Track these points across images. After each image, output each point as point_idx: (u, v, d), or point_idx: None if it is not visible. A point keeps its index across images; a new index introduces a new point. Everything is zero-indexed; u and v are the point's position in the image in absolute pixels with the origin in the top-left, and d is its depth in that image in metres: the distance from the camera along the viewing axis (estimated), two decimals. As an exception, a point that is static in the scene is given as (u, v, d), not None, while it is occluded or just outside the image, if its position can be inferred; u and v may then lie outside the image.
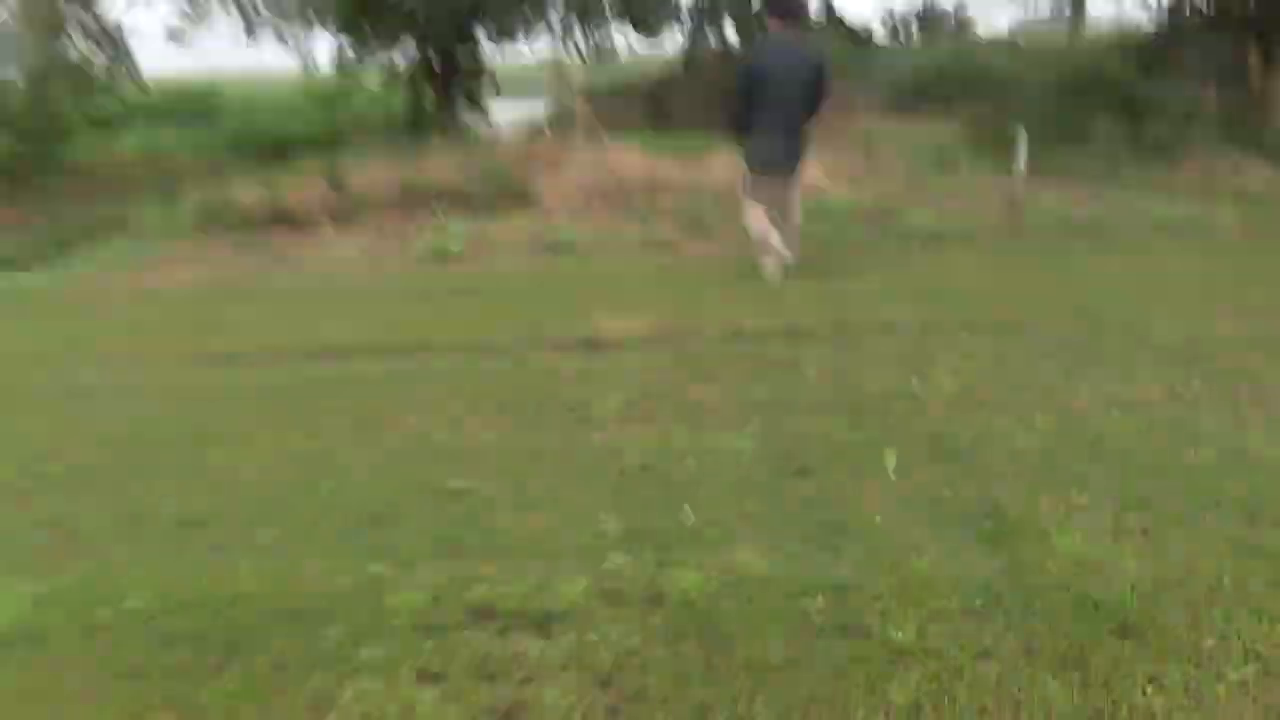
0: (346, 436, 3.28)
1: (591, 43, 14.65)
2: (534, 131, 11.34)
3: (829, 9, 20.43)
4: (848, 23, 20.70)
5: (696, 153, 10.57)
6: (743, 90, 5.82)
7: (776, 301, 5.14)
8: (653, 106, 15.01)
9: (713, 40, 18.05)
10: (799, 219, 6.29)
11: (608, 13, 13.11)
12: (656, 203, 7.88)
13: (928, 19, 20.38)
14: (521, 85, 18.31)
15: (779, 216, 6.09)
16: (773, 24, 6.24)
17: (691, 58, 17.11)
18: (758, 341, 4.31)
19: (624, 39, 14.93)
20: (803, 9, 6.16)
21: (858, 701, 1.81)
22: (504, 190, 7.95)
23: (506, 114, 13.86)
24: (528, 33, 13.60)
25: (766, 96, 5.70)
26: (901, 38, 20.34)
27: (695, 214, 7.47)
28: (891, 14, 19.94)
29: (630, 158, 8.90)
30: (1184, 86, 10.00)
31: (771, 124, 5.75)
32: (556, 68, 15.05)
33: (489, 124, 13.35)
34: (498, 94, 15.22)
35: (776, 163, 5.86)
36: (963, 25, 20.16)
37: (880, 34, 20.21)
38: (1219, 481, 2.66)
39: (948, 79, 13.59)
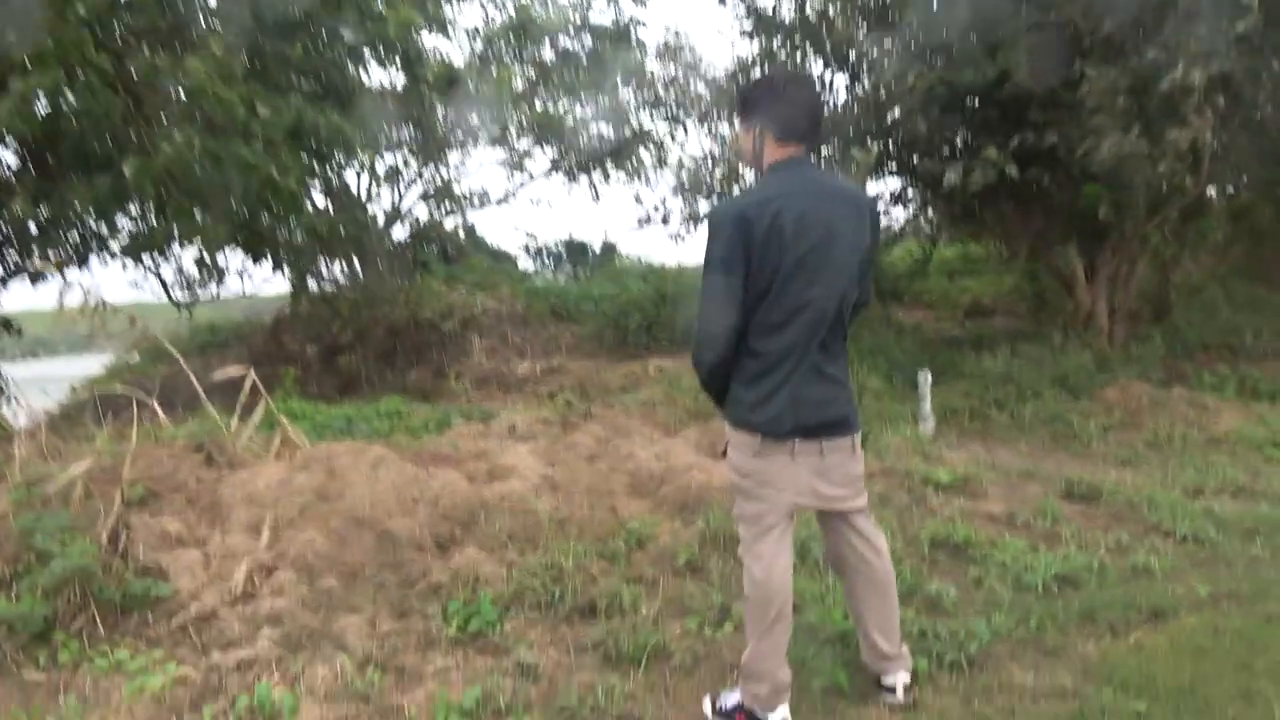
0: None
1: (186, 276, 9.90)
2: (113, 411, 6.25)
3: (470, 232, 17.73)
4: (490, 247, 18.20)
5: (434, 430, 6.56)
6: (732, 273, 2.58)
7: None
8: (299, 360, 10.52)
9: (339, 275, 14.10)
10: (890, 566, 2.77)
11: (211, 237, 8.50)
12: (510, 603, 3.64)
13: (574, 248, 18.64)
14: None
15: (853, 579, 2.84)
16: (779, 146, 2.71)
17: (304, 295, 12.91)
18: None
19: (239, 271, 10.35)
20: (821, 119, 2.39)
21: None
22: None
23: (48, 381, 8.27)
24: (81, 261, 8.52)
25: (790, 283, 2.57)
26: (553, 268, 18.24)
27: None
28: (536, 242, 17.64)
29: (356, 462, 4.53)
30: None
31: (797, 340, 2.61)
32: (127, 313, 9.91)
33: (15, 407, 7.53)
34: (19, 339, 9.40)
35: (816, 418, 2.66)
36: (609, 254, 18.76)
37: (527, 264, 17.83)
38: None
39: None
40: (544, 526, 4.22)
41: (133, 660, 3.24)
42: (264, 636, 3.34)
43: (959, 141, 8.15)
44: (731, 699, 2.79)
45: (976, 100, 7.70)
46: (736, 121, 2.89)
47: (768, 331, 2.62)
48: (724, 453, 2.88)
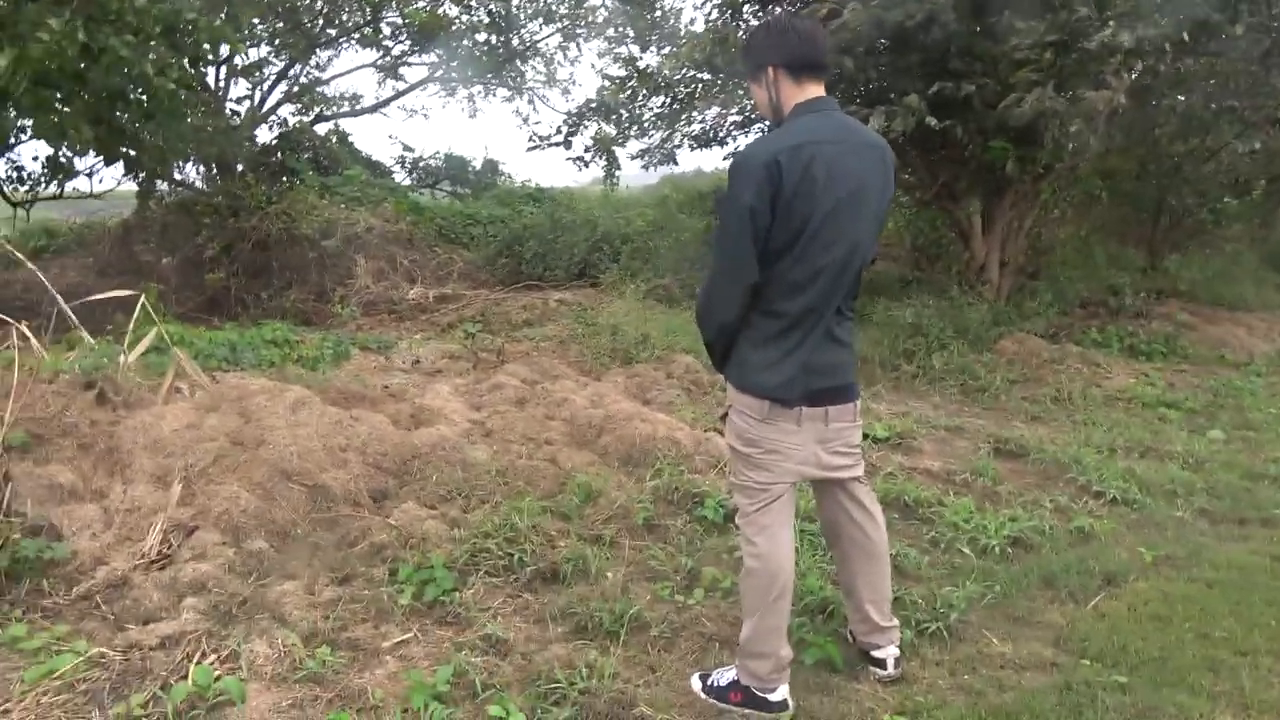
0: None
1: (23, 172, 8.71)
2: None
3: (343, 139, 16.45)
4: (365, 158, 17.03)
5: (331, 361, 6.11)
6: (757, 223, 2.37)
7: None
8: (155, 274, 9.57)
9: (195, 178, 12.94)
10: (885, 537, 2.81)
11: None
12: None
13: (455, 163, 17.82)
14: None
15: (849, 549, 2.76)
16: (796, 86, 2.51)
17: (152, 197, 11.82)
18: None
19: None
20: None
21: None
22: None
23: None
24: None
25: (816, 239, 2.40)
26: (432, 184, 17.39)
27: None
28: (413, 155, 16.77)
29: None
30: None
31: (818, 301, 2.46)
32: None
33: None
34: None
35: (824, 384, 2.52)
36: (491, 173, 18.08)
37: (403, 178, 16.85)
38: None
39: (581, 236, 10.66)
40: (484, 479, 3.97)
41: (31, 637, 2.82)
42: (188, 608, 2.97)
43: (876, 86, 8.11)
44: (726, 676, 2.68)
45: (900, 43, 7.62)
46: (748, 77, 2.65)
47: (788, 291, 2.44)
48: (723, 418, 2.72)
